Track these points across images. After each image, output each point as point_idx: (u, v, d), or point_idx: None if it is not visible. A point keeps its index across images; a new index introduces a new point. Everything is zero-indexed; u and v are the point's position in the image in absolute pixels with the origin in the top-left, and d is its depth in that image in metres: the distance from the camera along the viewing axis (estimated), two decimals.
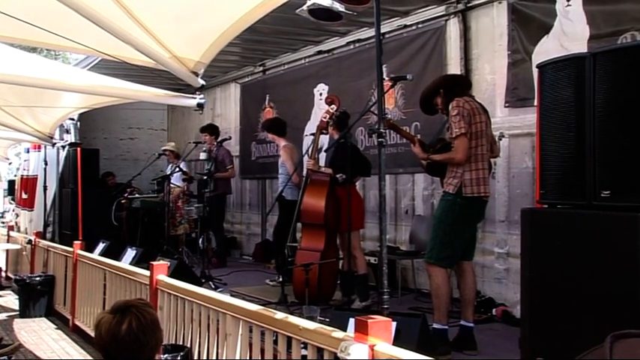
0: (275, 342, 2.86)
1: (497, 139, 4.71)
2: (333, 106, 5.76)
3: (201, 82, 3.46)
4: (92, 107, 5.72)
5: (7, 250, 9.48)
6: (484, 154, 4.20)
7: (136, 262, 5.86)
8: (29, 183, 10.19)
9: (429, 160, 4.42)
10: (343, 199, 5.37)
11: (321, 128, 5.84)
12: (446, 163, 4.26)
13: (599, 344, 1.38)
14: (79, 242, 6.37)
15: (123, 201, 8.75)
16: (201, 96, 3.86)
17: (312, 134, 6.11)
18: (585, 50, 4.50)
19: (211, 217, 8.02)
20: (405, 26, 6.74)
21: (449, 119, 4.23)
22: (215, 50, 3.18)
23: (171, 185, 8.16)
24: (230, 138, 8.04)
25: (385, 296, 2.98)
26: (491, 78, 5.77)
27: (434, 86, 4.48)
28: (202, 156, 7.93)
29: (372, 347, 2.13)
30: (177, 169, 8.25)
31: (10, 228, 10.49)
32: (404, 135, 4.90)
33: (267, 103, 9.30)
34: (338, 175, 5.53)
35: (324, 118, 5.79)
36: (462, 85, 4.51)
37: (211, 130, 8.45)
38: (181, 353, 3.50)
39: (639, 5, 4.44)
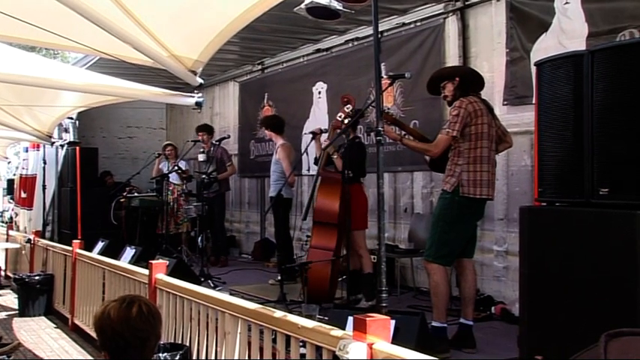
0: (274, 340, 2.87)
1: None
2: (349, 105, 5.60)
3: (200, 80, 3.46)
4: (91, 106, 5.70)
5: (7, 249, 9.47)
6: (484, 156, 4.15)
7: (135, 261, 5.86)
8: (28, 182, 10.19)
9: (401, 142, 4.44)
10: (350, 198, 5.38)
11: (336, 127, 5.78)
12: (446, 160, 4.26)
13: (595, 343, 1.39)
14: (78, 241, 6.37)
15: (122, 200, 8.75)
16: (200, 94, 3.86)
17: (311, 132, 6.09)
18: (584, 48, 4.50)
19: (216, 216, 8.05)
20: (404, 24, 6.75)
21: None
22: (213, 49, 3.18)
23: (173, 183, 8.17)
24: (229, 136, 8.03)
25: (384, 294, 2.99)
26: (489, 76, 5.74)
27: (452, 70, 4.45)
28: (201, 157, 7.94)
29: (370, 345, 2.13)
30: (177, 167, 8.25)
31: (10, 227, 10.48)
32: (406, 129, 4.82)
33: (266, 101, 9.30)
34: (346, 171, 5.52)
35: (339, 117, 5.68)
36: (476, 83, 4.42)
37: (209, 129, 8.51)
38: (180, 352, 3.49)
39: (637, 3, 4.44)
